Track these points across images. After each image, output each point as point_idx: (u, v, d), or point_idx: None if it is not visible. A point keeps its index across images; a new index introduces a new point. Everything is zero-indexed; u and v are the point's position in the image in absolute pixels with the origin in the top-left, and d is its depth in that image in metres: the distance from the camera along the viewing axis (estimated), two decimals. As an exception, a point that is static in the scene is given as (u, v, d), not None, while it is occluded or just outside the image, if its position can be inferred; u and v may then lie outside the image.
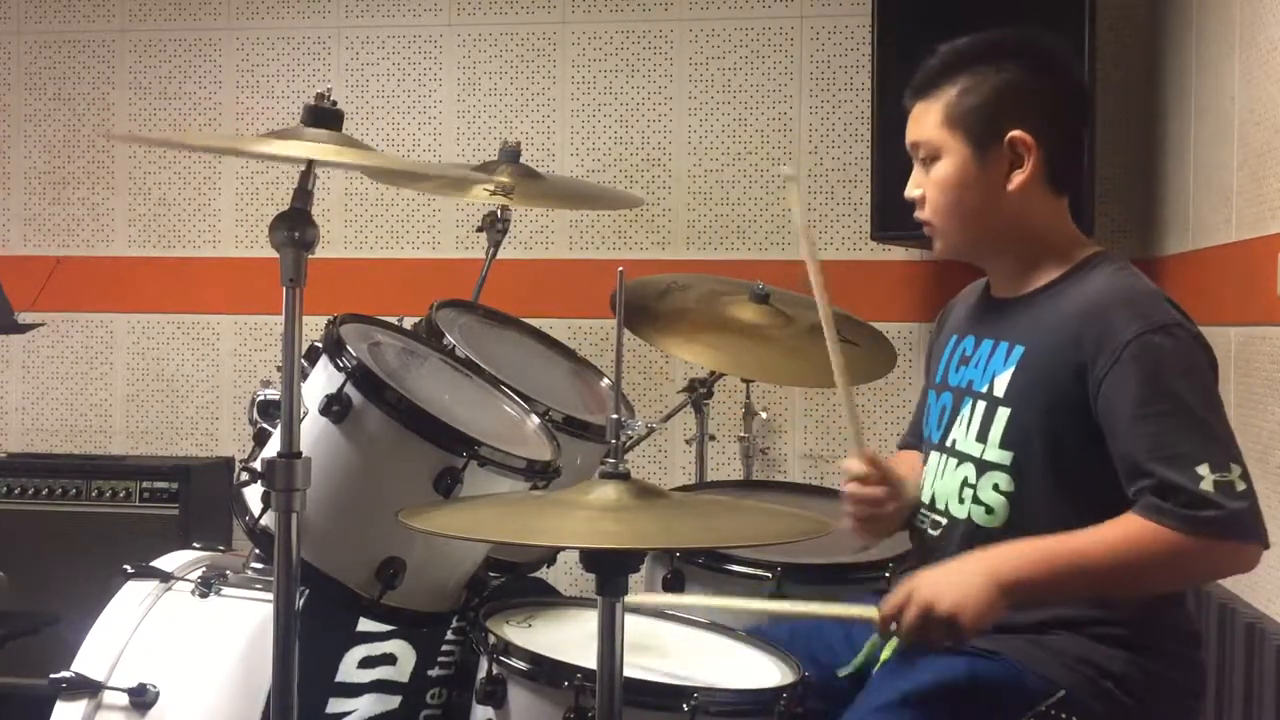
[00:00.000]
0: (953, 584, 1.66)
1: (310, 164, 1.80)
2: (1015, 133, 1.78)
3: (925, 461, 1.95)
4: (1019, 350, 1.79)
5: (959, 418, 1.86)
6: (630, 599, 1.57)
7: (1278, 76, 2.42)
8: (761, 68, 3.78)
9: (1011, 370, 1.79)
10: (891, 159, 3.19)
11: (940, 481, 1.88)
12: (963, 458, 1.83)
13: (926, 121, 1.83)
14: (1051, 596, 1.71)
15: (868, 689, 1.82)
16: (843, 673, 1.91)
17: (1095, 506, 1.68)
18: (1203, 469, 1.60)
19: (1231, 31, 2.73)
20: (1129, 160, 3.57)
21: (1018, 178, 1.79)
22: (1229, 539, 1.61)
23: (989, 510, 1.79)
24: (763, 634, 2.06)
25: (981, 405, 1.82)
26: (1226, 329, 2.69)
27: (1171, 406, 1.64)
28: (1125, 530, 1.64)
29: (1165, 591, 1.74)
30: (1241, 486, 1.61)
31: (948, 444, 1.87)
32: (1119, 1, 3.54)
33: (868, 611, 1.75)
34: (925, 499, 1.91)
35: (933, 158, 1.83)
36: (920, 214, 1.88)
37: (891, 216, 3.25)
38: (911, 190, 1.88)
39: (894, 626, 1.70)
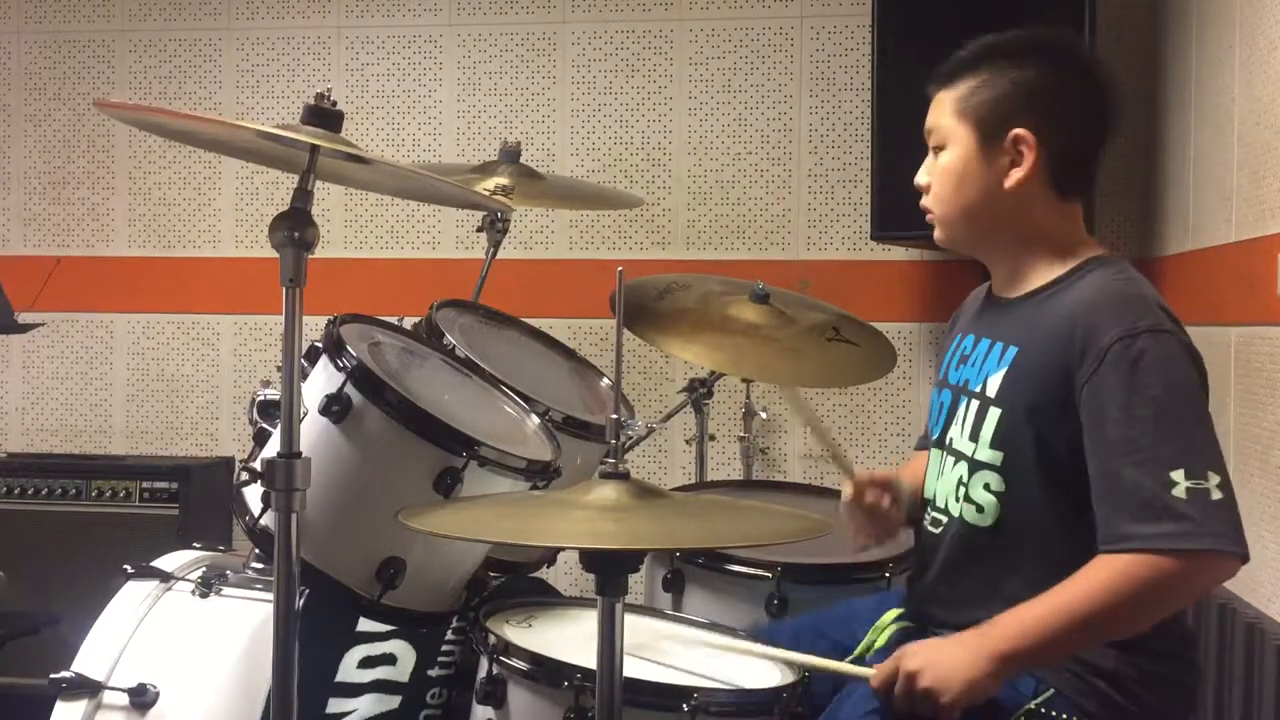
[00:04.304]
0: (939, 657, 1.66)
1: (311, 158, 1.80)
2: (1018, 130, 1.78)
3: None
4: (1012, 351, 1.79)
5: (956, 416, 1.86)
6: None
7: (1278, 76, 2.42)
8: (761, 68, 3.78)
9: (1004, 371, 1.78)
10: (891, 159, 3.20)
11: (940, 480, 1.88)
12: (958, 456, 1.84)
13: (942, 109, 1.85)
14: (1049, 659, 1.69)
15: (851, 690, 1.83)
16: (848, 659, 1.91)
17: (1084, 510, 1.68)
18: (1177, 474, 1.59)
19: (1231, 31, 2.73)
20: (1129, 160, 3.57)
21: (1015, 175, 1.79)
22: (1200, 553, 1.59)
23: (980, 509, 1.79)
24: (765, 634, 2.06)
25: (975, 405, 1.82)
26: (1226, 329, 2.69)
27: (1150, 412, 1.62)
28: (1099, 574, 1.62)
29: (1163, 617, 1.69)
30: (1217, 496, 1.59)
31: (946, 442, 1.88)
32: (1119, 1, 3.54)
33: (863, 672, 1.74)
34: (929, 496, 1.92)
35: (941, 146, 1.85)
36: (925, 201, 1.89)
37: (891, 216, 3.25)
38: (920, 177, 1.89)
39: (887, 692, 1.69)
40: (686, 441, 3.59)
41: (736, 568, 2.32)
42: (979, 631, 1.68)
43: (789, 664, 1.91)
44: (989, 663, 1.63)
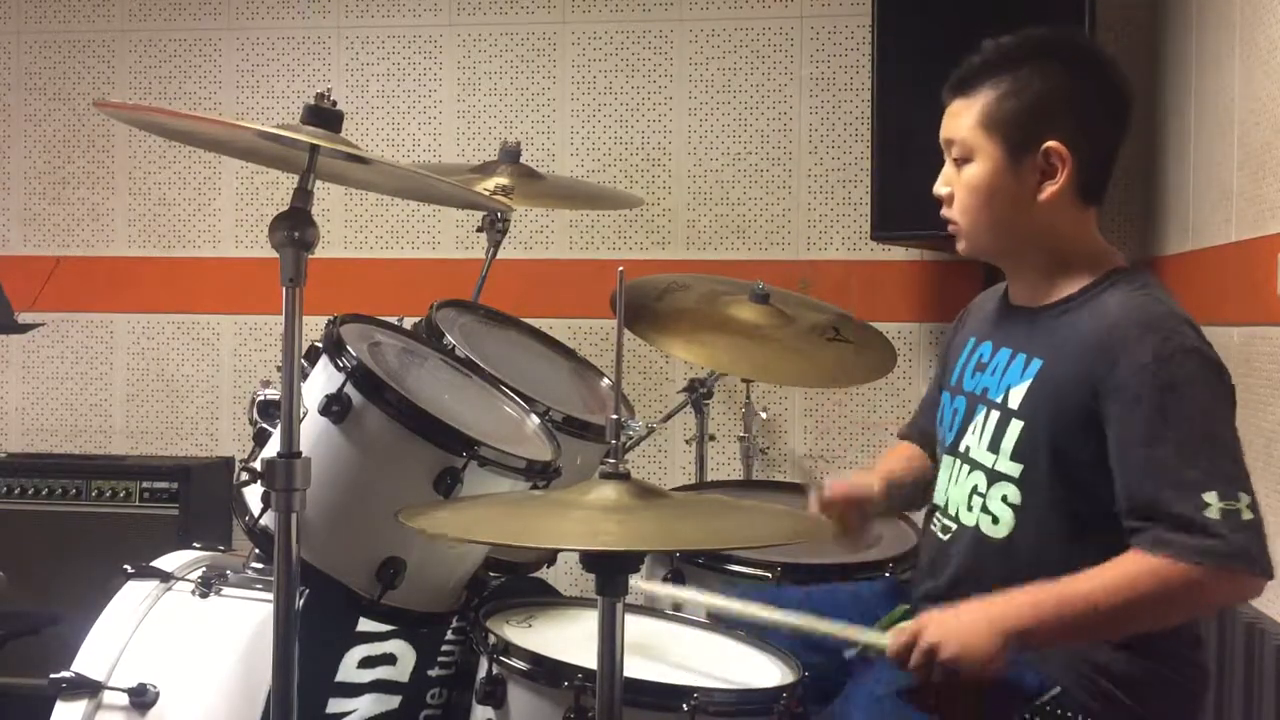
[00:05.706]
0: (960, 630, 1.65)
1: (311, 158, 1.80)
2: (1051, 143, 1.76)
3: (939, 462, 1.95)
4: (1036, 364, 1.77)
5: (972, 424, 1.85)
6: (643, 585, 1.53)
7: (1278, 76, 2.42)
8: (761, 68, 3.78)
9: (1028, 384, 1.77)
10: (891, 159, 3.20)
11: (954, 487, 1.87)
12: (974, 465, 1.83)
13: (963, 120, 1.81)
14: (1061, 642, 1.70)
15: (862, 679, 1.82)
16: (849, 654, 1.90)
17: (1099, 527, 1.68)
18: (1209, 496, 1.59)
19: (1231, 31, 2.73)
20: (1129, 160, 3.54)
21: (1049, 189, 1.77)
22: (1230, 569, 1.59)
23: (995, 520, 1.79)
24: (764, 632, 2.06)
25: (995, 415, 1.80)
26: (1227, 329, 2.69)
27: (1182, 433, 1.62)
28: (1126, 569, 1.62)
29: (1176, 624, 1.71)
30: (1248, 516, 1.59)
31: (960, 449, 1.87)
32: (1120, 2, 3.54)
33: (880, 640, 1.74)
34: (939, 502, 1.91)
35: (965, 158, 1.81)
36: (946, 212, 1.86)
37: (891, 216, 3.25)
38: (940, 187, 1.85)
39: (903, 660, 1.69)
40: (686, 441, 3.60)
41: (736, 568, 2.32)
42: (1002, 609, 1.66)
43: (799, 631, 1.87)
44: (1003, 639, 1.63)
